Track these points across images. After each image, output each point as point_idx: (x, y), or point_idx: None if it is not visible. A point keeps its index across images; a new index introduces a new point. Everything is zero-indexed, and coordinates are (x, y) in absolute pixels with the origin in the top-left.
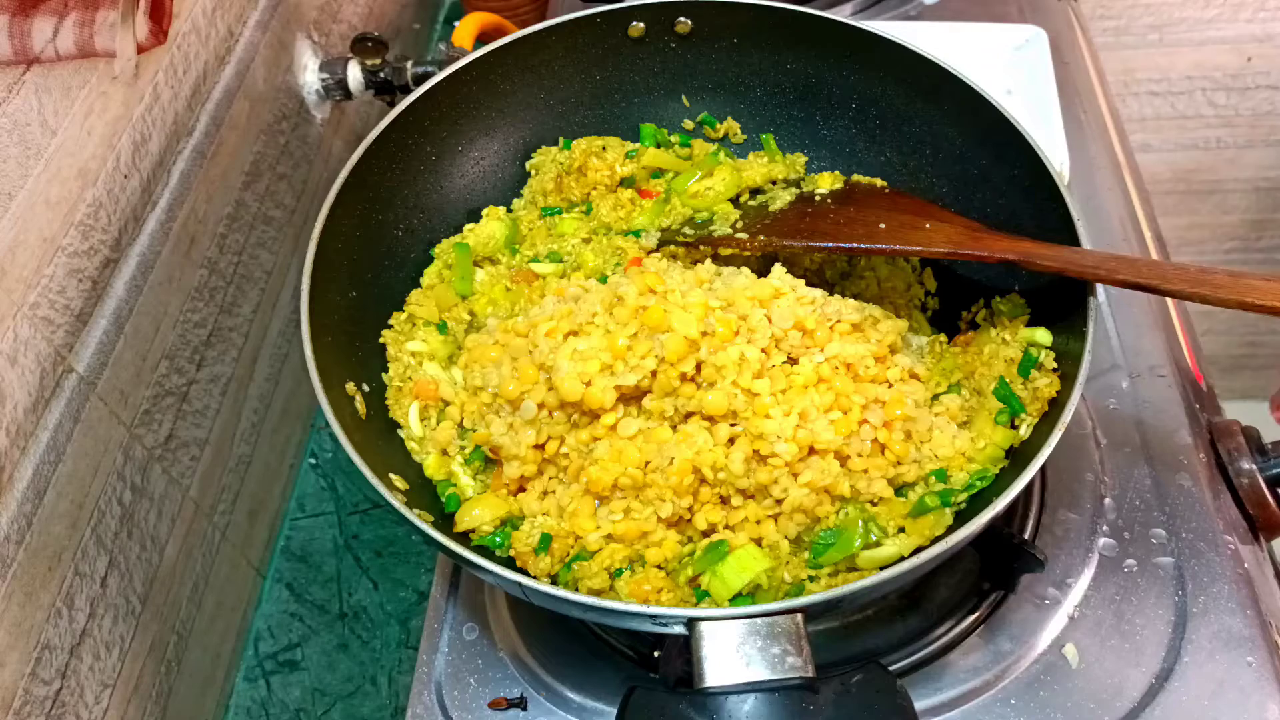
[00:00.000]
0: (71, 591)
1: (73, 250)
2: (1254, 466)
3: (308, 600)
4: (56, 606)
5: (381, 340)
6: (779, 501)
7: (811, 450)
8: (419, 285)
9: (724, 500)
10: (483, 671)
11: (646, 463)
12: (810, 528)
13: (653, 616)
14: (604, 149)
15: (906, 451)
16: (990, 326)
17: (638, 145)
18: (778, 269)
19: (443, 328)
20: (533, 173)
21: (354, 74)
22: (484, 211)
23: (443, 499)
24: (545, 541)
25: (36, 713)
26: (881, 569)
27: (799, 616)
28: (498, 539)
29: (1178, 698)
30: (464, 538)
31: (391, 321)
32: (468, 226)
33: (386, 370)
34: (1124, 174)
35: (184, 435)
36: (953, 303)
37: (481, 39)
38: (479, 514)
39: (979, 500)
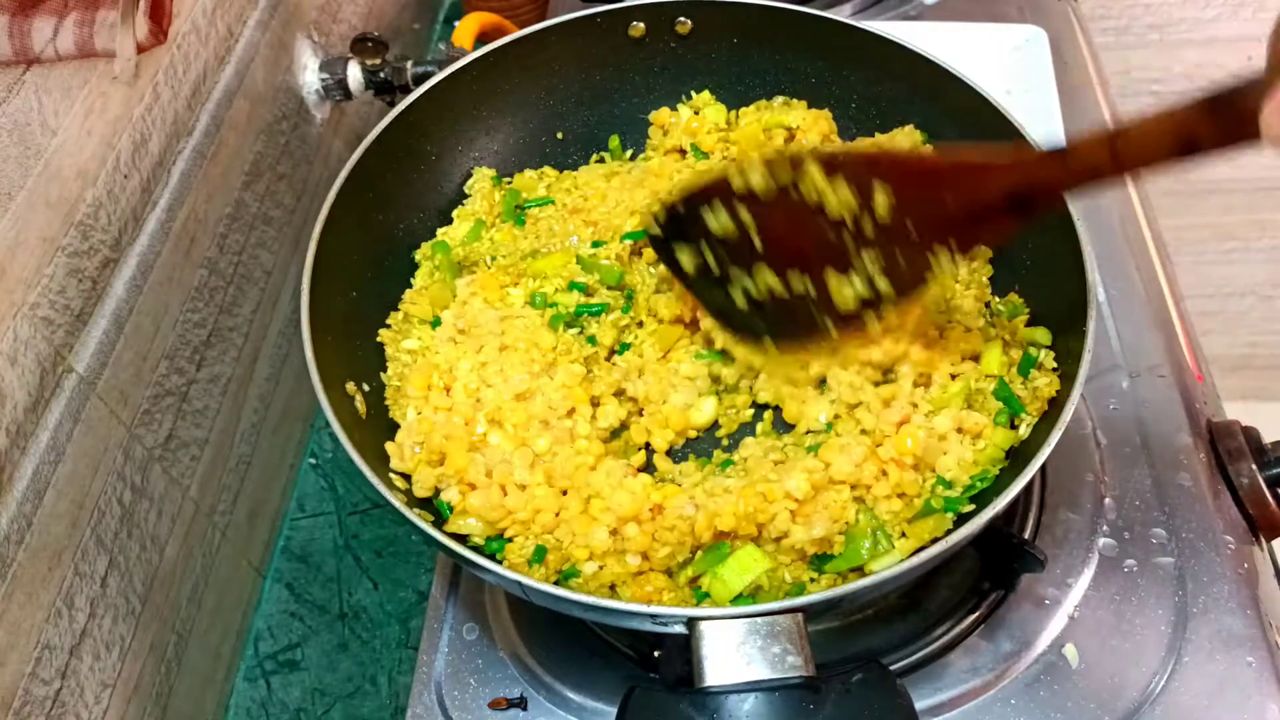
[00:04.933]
0: (71, 591)
1: (73, 250)
2: (1254, 466)
3: (308, 600)
4: (56, 606)
5: (379, 339)
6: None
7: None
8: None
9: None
10: (483, 671)
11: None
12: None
13: (653, 616)
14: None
15: (915, 486)
16: (990, 327)
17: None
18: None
19: (436, 324)
20: (469, 193)
21: (354, 74)
22: (454, 213)
23: (437, 504)
24: (540, 553)
25: (36, 713)
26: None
27: (799, 616)
28: (493, 546)
29: (1178, 698)
30: (464, 537)
31: (389, 321)
32: (440, 230)
33: (386, 370)
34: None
35: (184, 435)
36: None
37: (481, 39)
38: (472, 523)
39: (979, 500)
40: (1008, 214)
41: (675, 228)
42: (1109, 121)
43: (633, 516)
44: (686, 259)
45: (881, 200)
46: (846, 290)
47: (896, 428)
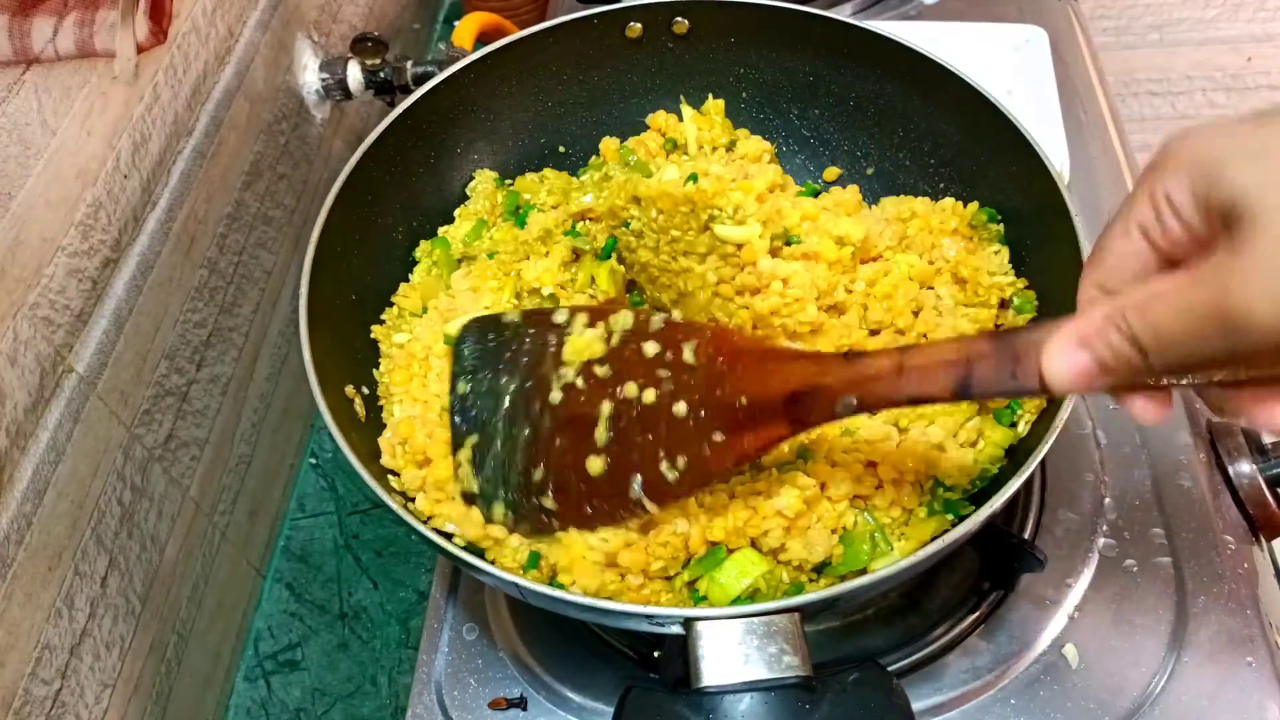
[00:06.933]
0: (71, 591)
1: (73, 250)
2: (1254, 466)
3: (308, 600)
4: (56, 606)
5: (373, 336)
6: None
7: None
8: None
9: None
10: (483, 671)
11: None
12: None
13: (649, 616)
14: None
15: (915, 499)
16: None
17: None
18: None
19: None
20: (470, 195)
21: (354, 74)
22: (456, 213)
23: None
24: (534, 559)
25: (36, 713)
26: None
27: (796, 615)
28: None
29: (1178, 698)
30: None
31: (384, 317)
32: (442, 229)
33: (379, 367)
34: (1124, 174)
35: (184, 435)
36: None
37: (481, 39)
38: (462, 531)
39: (978, 499)
40: (782, 416)
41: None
42: (1109, 121)
43: (623, 547)
44: (478, 387)
45: (688, 359)
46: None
47: (895, 445)
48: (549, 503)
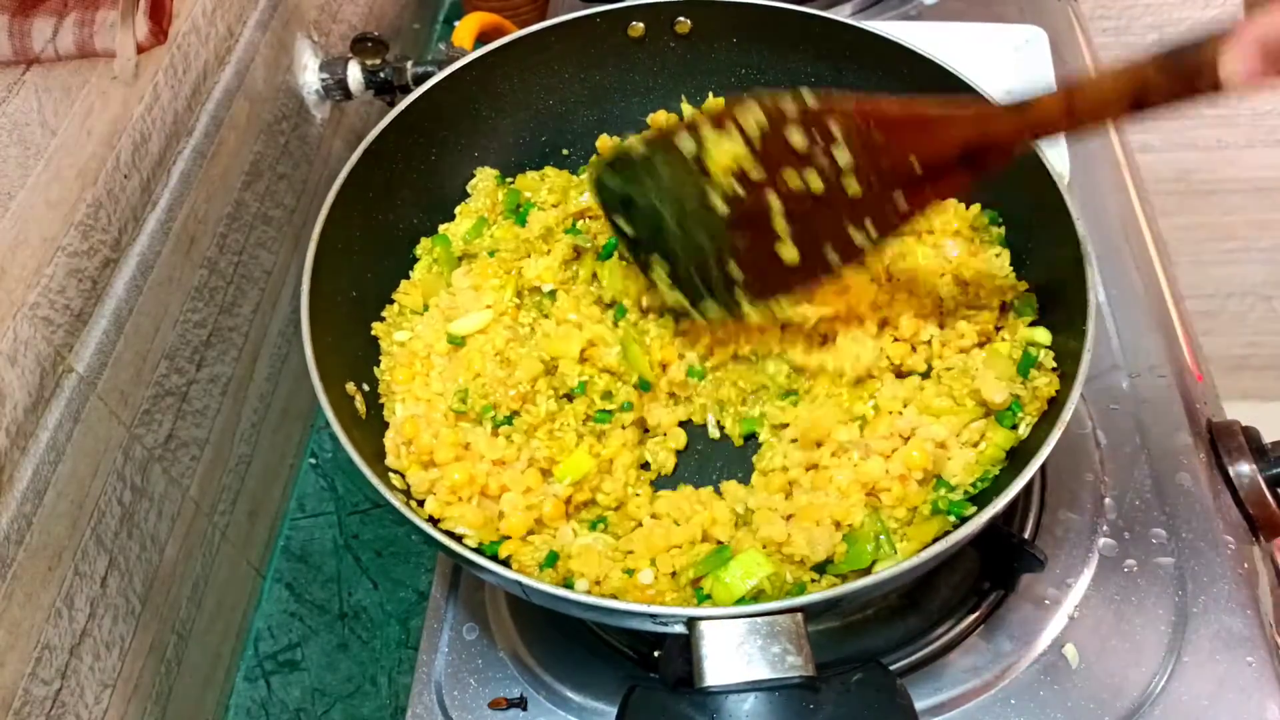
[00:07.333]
0: (71, 591)
1: (73, 250)
2: (1254, 466)
3: (308, 600)
4: (56, 606)
5: (374, 333)
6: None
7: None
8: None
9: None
10: (483, 671)
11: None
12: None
13: (653, 616)
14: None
15: (922, 497)
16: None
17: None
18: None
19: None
20: (471, 193)
21: (354, 74)
22: (456, 210)
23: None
24: (552, 559)
25: (36, 713)
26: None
27: (799, 615)
28: (492, 548)
29: (1178, 698)
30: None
31: (384, 314)
32: (443, 226)
33: (379, 364)
34: (1124, 174)
35: (184, 435)
36: None
37: (481, 39)
38: (469, 534)
39: (979, 500)
40: (960, 168)
41: (627, 182)
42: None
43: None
44: (641, 220)
45: (843, 154)
46: (788, 251)
47: (903, 440)
48: (749, 289)
